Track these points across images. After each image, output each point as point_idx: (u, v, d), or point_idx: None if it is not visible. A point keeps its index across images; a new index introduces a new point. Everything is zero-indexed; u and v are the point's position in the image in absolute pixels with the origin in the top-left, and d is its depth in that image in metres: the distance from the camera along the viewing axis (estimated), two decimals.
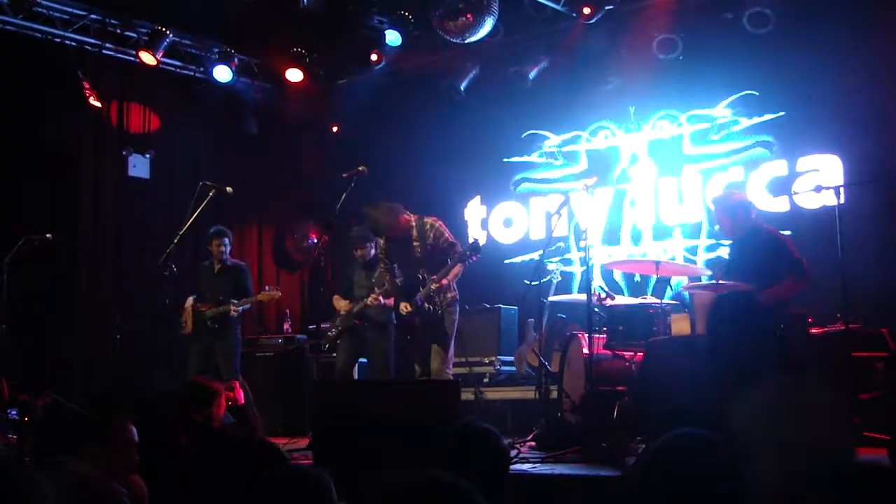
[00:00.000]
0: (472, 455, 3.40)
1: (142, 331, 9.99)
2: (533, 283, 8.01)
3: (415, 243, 7.91)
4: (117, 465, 4.17)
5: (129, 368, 9.42)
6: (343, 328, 8.77)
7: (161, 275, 8.53)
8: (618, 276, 9.86)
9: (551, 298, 8.36)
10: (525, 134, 10.90)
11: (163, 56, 10.48)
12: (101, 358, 10.05)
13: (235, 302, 8.83)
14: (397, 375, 8.57)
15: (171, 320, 9.04)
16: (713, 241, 9.52)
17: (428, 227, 7.91)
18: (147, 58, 10.27)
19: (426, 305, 7.73)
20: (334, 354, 8.97)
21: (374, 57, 10.58)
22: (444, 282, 7.70)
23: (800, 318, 6.83)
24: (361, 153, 10.56)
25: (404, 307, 7.83)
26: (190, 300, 9.10)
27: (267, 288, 9.35)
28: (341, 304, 8.89)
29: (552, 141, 10.79)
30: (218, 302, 8.89)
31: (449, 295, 7.84)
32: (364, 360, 9.03)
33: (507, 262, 10.85)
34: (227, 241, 9.11)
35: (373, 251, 8.66)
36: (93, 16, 10.22)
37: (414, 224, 7.93)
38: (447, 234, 7.98)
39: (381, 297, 8.27)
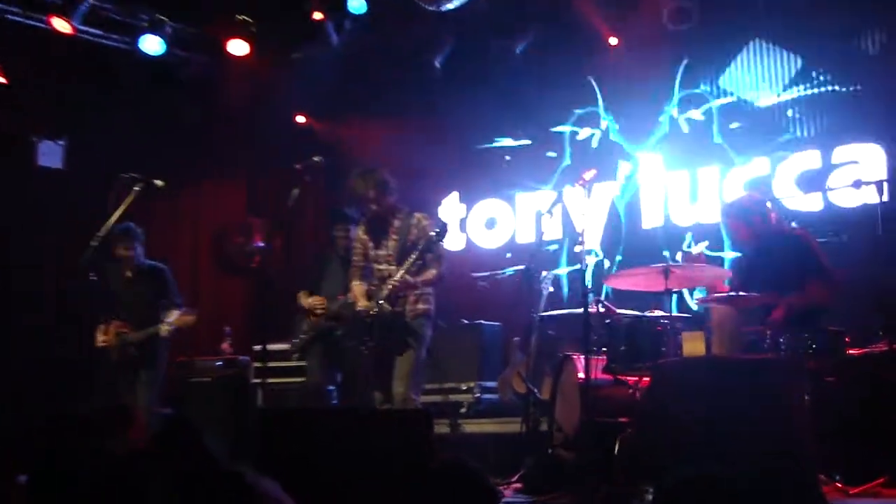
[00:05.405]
0: (455, 499, 3.40)
1: (58, 348, 9.89)
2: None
3: (392, 236, 7.86)
4: None
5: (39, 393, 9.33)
6: (316, 332, 8.70)
7: (79, 283, 8.44)
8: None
9: (542, 314, 8.34)
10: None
11: (80, 23, 10.40)
12: (7, 376, 9.95)
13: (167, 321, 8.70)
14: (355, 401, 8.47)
15: (91, 335, 8.94)
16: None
17: (415, 221, 7.83)
18: (60, 25, 10.17)
19: (386, 306, 7.65)
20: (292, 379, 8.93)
21: (318, 16, 10.49)
22: (410, 278, 7.60)
23: (835, 336, 6.83)
24: (318, 141, 10.55)
25: (364, 305, 7.74)
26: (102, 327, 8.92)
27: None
28: (309, 301, 8.79)
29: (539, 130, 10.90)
30: (140, 319, 8.78)
31: (420, 306, 7.76)
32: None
33: (484, 273, 10.85)
34: (136, 241, 8.99)
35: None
36: None
37: (400, 215, 7.89)
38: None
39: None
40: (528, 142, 11.03)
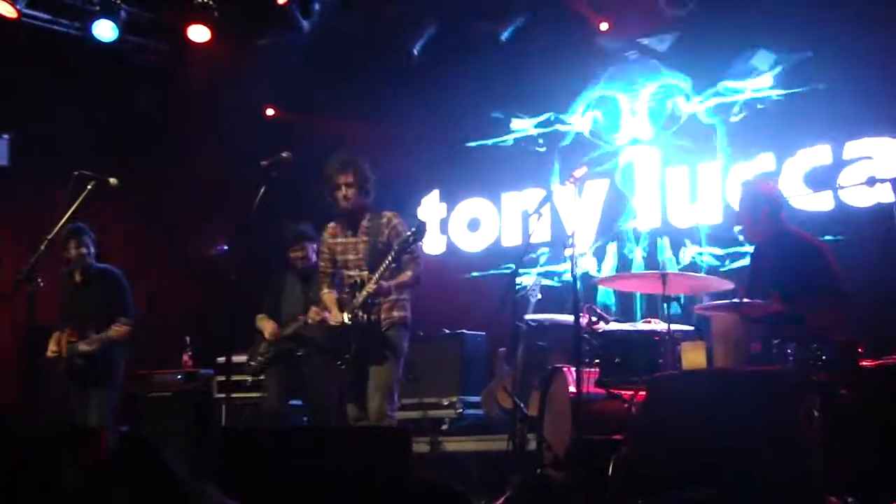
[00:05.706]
0: None
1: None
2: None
3: (362, 238, 7.79)
4: None
5: None
6: (273, 355, 8.68)
7: (24, 290, 8.38)
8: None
9: (529, 317, 8.32)
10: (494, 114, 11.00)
11: (26, 7, 10.35)
12: None
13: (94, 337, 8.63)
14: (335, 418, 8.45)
15: (37, 347, 8.88)
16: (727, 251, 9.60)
17: (385, 220, 7.75)
18: (4, 9, 10.13)
19: (361, 315, 7.57)
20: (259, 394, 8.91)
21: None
22: (385, 283, 7.55)
23: (847, 346, 6.81)
24: (287, 135, 10.50)
25: (336, 316, 7.67)
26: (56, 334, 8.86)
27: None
28: (268, 326, 8.79)
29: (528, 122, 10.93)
30: (85, 328, 8.70)
31: (396, 314, 7.70)
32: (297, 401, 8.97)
33: (471, 275, 10.82)
34: (87, 240, 8.91)
35: (314, 257, 8.53)
36: None
37: (369, 215, 7.82)
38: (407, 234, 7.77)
39: (325, 313, 8.04)
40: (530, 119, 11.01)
